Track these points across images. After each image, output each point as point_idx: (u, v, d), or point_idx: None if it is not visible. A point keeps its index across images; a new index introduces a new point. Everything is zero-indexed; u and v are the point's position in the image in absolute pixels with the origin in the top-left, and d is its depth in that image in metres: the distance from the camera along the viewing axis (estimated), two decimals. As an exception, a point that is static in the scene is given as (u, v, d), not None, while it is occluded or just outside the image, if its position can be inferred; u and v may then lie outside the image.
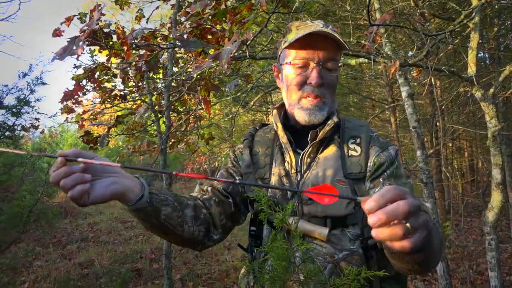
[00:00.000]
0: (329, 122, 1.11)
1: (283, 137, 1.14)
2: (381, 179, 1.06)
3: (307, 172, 1.10)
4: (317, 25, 1.08)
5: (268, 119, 10.93)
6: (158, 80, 4.34)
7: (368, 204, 0.61)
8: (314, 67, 1.06)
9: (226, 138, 6.28)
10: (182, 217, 1.05)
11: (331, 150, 1.12)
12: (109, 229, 7.68)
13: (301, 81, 1.08)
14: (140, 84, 3.79)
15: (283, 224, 0.92)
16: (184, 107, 4.25)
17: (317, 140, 1.10)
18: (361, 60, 3.68)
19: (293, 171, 1.12)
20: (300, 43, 1.07)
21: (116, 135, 3.32)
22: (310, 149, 1.11)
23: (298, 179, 1.11)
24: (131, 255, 5.57)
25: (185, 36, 2.14)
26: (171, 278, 2.90)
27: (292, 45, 1.09)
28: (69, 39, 1.55)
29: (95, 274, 4.51)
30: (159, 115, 3.31)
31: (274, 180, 1.14)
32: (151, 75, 3.64)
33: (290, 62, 1.10)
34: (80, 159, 0.79)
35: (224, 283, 4.65)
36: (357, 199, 0.66)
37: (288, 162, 1.14)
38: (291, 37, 1.08)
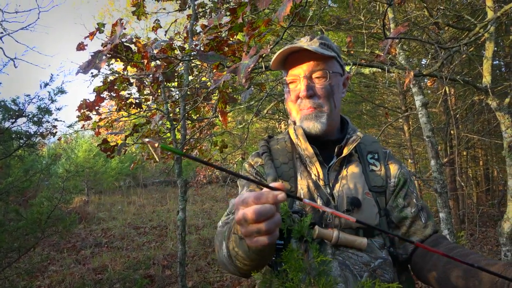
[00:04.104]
0: (354, 137, 1.16)
1: (306, 149, 1.15)
2: (414, 200, 1.15)
3: (336, 185, 1.13)
4: (301, 41, 1.16)
5: (280, 127, 10.94)
6: (172, 89, 4.41)
7: None
8: (302, 80, 1.13)
9: (239, 145, 6.32)
10: None
11: (355, 164, 1.17)
12: (122, 235, 7.76)
13: (295, 96, 1.15)
14: (155, 93, 3.86)
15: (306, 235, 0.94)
16: (197, 115, 4.31)
17: (343, 155, 1.14)
18: (374, 69, 3.69)
19: (322, 183, 1.14)
20: (289, 62, 1.15)
21: (132, 144, 3.38)
22: (336, 163, 1.15)
23: (328, 192, 1.13)
24: (144, 261, 5.61)
25: (201, 47, 2.18)
26: (185, 286, 2.93)
27: (284, 66, 1.18)
28: (92, 53, 1.60)
29: (109, 280, 4.57)
30: (175, 123, 3.36)
31: (303, 193, 1.14)
32: (166, 84, 3.70)
33: (286, 81, 1.18)
34: (306, 201, 0.65)
35: (236, 291, 4.66)
36: None
37: (315, 174, 1.15)
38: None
